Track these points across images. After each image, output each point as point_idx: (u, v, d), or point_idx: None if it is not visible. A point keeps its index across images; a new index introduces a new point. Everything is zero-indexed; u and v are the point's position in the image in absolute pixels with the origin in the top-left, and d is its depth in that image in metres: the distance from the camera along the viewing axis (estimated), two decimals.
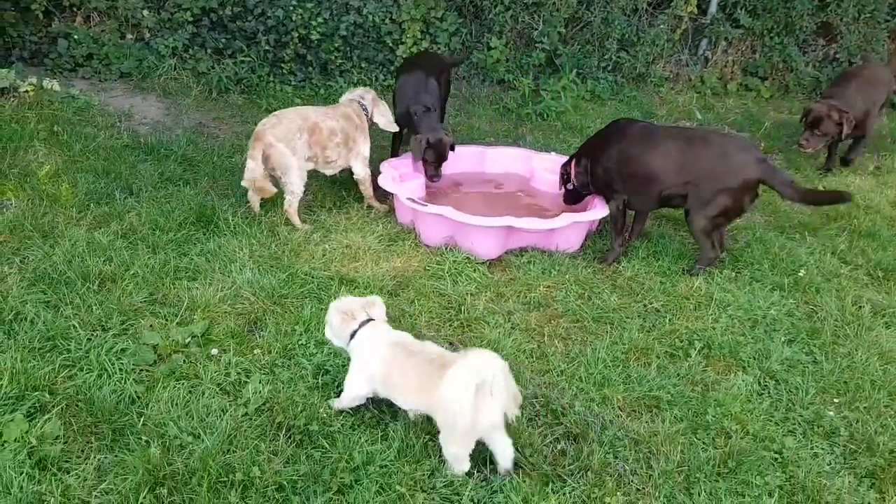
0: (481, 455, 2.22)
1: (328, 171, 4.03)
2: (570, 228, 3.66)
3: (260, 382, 2.46)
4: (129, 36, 6.37)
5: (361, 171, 4.04)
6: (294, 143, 3.67)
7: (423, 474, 2.16)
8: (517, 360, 2.80)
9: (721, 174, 3.44)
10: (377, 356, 2.25)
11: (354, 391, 2.31)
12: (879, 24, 7.62)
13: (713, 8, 7.51)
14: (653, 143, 3.58)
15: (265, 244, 3.50)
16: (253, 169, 3.54)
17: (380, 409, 2.42)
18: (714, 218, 3.52)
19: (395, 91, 4.71)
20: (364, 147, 4.07)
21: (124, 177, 4.02)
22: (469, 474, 2.18)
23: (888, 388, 2.81)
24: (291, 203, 3.73)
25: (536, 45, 6.98)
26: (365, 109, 4.15)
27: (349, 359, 2.38)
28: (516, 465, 2.24)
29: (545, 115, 6.20)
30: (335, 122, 3.89)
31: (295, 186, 3.72)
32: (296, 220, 3.75)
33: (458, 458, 2.14)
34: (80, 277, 2.92)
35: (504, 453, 2.20)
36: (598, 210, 3.79)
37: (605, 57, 7.15)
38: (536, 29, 6.99)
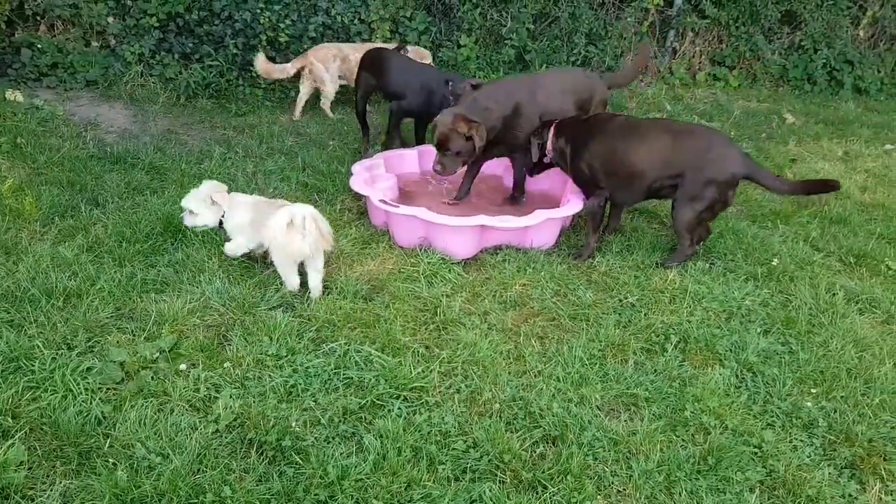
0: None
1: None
2: (544, 225, 3.64)
3: (230, 397, 2.40)
4: (94, 43, 6.24)
5: None
6: (329, 64, 5.81)
7: (400, 487, 2.13)
8: (494, 362, 2.77)
9: (708, 166, 3.44)
10: (245, 212, 3.20)
11: (238, 242, 3.21)
12: (842, 10, 7.73)
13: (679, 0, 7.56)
14: (638, 136, 3.57)
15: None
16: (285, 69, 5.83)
17: (353, 422, 2.39)
18: (701, 212, 3.52)
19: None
20: None
21: (90, 188, 3.92)
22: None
23: (864, 375, 2.83)
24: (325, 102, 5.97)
25: (506, 41, 6.98)
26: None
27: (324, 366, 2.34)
28: None
29: None
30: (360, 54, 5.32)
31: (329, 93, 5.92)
32: (328, 113, 5.94)
33: (285, 277, 3.10)
34: (45, 294, 2.83)
35: (313, 283, 3.11)
36: (571, 206, 3.77)
37: (574, 52, 7.18)
38: (505, 26, 6.99)
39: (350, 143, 5.31)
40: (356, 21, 6.83)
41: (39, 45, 5.92)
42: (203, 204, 3.23)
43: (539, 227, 3.62)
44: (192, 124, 5.43)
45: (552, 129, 3.76)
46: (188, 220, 3.29)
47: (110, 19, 6.26)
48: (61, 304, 2.82)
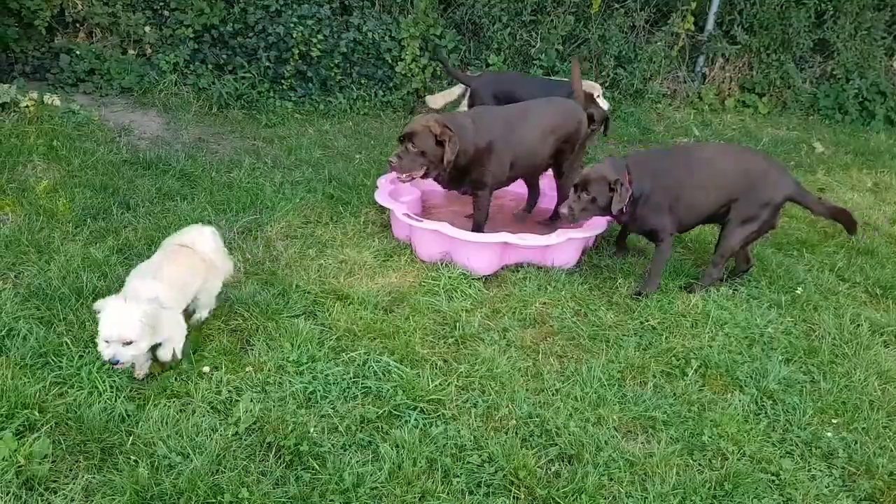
0: None
1: None
2: (566, 244, 3.65)
3: (251, 401, 2.44)
4: (130, 51, 6.42)
5: None
6: None
7: (414, 497, 2.14)
8: (512, 378, 2.78)
9: (765, 188, 3.46)
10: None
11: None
12: (876, 41, 7.68)
13: (710, 25, 7.57)
14: (696, 165, 3.53)
15: (260, 260, 3.49)
16: None
17: (370, 431, 2.41)
18: (750, 234, 3.53)
19: None
20: None
21: (122, 192, 4.02)
22: None
23: (887, 408, 2.79)
24: None
25: (534, 61, 7.03)
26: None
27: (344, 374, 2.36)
28: None
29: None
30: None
31: None
32: None
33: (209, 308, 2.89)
34: (74, 293, 2.91)
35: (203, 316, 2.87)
36: (594, 227, 3.78)
37: (603, 73, 7.20)
38: (534, 46, 7.05)
39: (375, 156, 5.38)
40: (387, 38, 6.95)
41: (78, 52, 6.11)
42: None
43: (561, 246, 3.63)
44: (222, 133, 5.55)
45: (625, 171, 3.47)
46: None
47: (147, 28, 6.45)
48: (90, 303, 2.87)
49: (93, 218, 3.65)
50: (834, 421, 2.71)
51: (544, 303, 3.37)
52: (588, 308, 3.36)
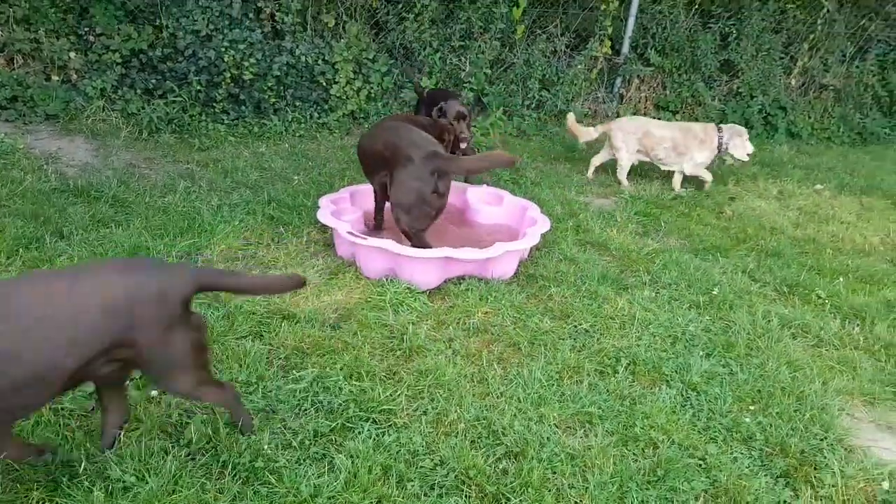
0: None
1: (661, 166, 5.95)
2: (504, 257, 3.83)
3: (202, 422, 2.46)
4: (54, 78, 6.26)
5: (689, 171, 5.83)
6: (628, 136, 5.81)
7: (372, 502, 2.22)
8: (459, 385, 2.90)
9: None
10: None
11: None
12: (775, 61, 8.38)
13: (626, 48, 8.08)
14: None
15: None
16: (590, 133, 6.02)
17: (324, 444, 2.48)
18: None
19: None
20: (698, 155, 5.76)
21: (54, 220, 3.93)
22: None
23: (797, 393, 3.06)
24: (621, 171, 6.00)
25: (465, 84, 7.30)
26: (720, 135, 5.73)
27: (294, 391, 2.42)
28: None
29: (476, 150, 6.44)
30: (669, 132, 5.78)
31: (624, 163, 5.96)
32: (624, 182, 5.98)
33: None
34: None
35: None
36: (529, 238, 3.98)
37: (529, 96, 7.55)
38: (464, 70, 7.32)
39: (315, 177, 5.44)
40: (320, 61, 7.05)
41: None
42: None
43: (500, 258, 3.81)
44: (154, 158, 5.47)
45: None
46: None
47: (72, 54, 6.31)
48: None
49: (25, 248, 3.55)
50: (751, 408, 2.94)
51: (486, 312, 3.52)
52: (526, 315, 3.53)
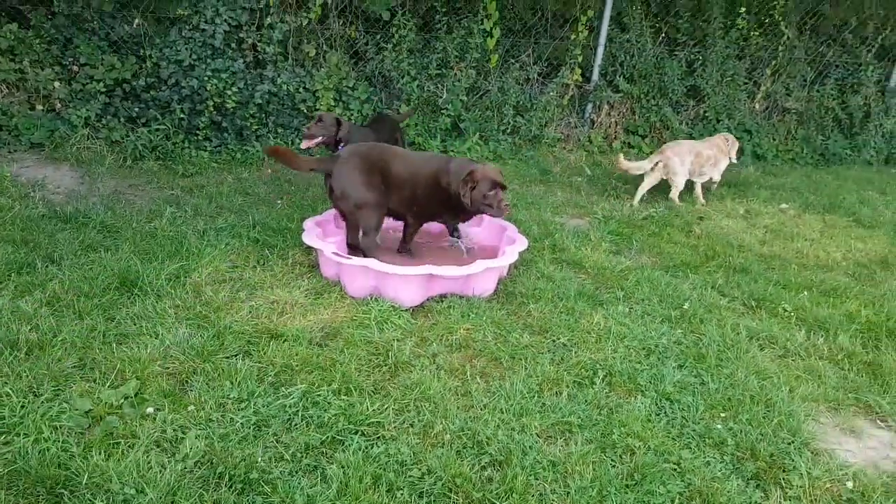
0: None
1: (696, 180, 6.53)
2: (485, 274, 3.98)
3: (196, 437, 2.54)
4: (39, 107, 6.32)
5: (717, 178, 6.67)
6: (684, 158, 6.24)
7: None
8: (444, 398, 3.01)
9: None
10: None
11: None
12: (739, 86, 8.74)
13: (595, 76, 8.39)
14: None
15: (190, 305, 3.58)
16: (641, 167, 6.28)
17: (316, 456, 2.57)
18: None
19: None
20: (723, 164, 6.66)
21: (44, 246, 4.00)
22: None
23: (764, 401, 3.20)
24: (675, 192, 6.36)
25: (442, 111, 7.51)
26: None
27: (285, 406, 2.51)
28: None
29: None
30: (711, 150, 6.47)
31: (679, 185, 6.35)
32: (677, 202, 6.34)
33: None
34: (8, 346, 2.90)
35: None
36: (509, 256, 4.14)
37: (504, 121, 7.78)
38: (441, 97, 7.54)
39: (297, 201, 5.56)
40: (301, 90, 7.22)
41: None
42: None
43: (480, 275, 3.95)
44: (139, 185, 5.55)
45: None
46: None
47: (57, 84, 6.39)
48: (24, 355, 2.90)
49: (17, 273, 3.61)
50: (722, 415, 3.08)
51: (468, 329, 3.65)
52: (506, 331, 3.66)
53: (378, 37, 7.66)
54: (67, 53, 6.49)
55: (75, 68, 6.50)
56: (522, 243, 4.39)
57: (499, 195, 4.08)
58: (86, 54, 6.48)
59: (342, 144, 4.99)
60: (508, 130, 7.80)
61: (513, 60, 8.11)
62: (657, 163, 6.24)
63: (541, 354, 3.46)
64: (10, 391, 2.62)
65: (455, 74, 7.60)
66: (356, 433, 2.72)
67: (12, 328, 3.04)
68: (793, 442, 2.93)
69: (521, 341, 3.56)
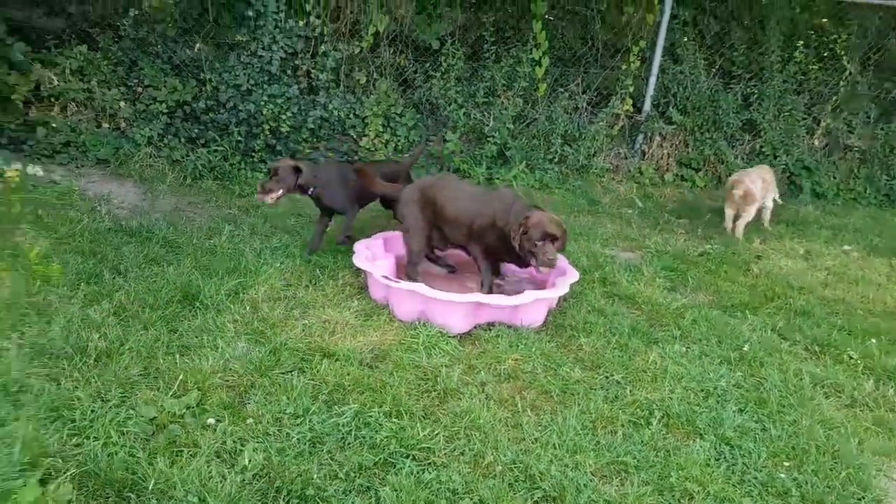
0: None
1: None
2: (534, 305, 3.94)
3: (254, 450, 2.57)
4: (105, 125, 6.62)
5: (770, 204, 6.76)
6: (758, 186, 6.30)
7: None
8: (494, 428, 2.98)
9: None
10: None
11: None
12: (797, 121, 8.54)
13: (647, 106, 8.31)
14: None
15: (248, 321, 3.65)
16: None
17: (369, 477, 2.56)
18: None
19: None
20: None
21: (110, 258, 4.16)
22: None
23: (832, 452, 3.06)
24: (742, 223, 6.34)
25: (488, 139, 7.57)
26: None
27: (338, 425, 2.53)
28: None
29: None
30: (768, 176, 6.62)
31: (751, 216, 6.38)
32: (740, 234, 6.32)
33: None
34: (78, 352, 3.01)
35: None
36: (560, 288, 4.10)
37: (551, 150, 7.78)
38: (487, 125, 7.61)
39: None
40: (351, 115, 7.40)
41: (53, 125, 6.27)
42: None
43: (529, 306, 3.92)
44: (198, 203, 5.73)
45: None
46: None
47: (122, 104, 6.69)
48: (93, 361, 3.00)
49: (86, 282, 3.76)
50: (786, 464, 2.95)
51: (516, 359, 3.60)
52: (556, 364, 3.59)
53: (427, 65, 7.81)
54: (132, 75, 6.82)
55: (139, 89, 6.83)
56: (573, 275, 4.34)
57: (546, 247, 3.91)
58: (149, 76, 6.80)
59: (311, 189, 4.67)
60: (556, 159, 7.79)
61: (561, 89, 8.13)
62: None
63: (593, 391, 3.39)
64: (80, 395, 2.72)
65: (502, 102, 7.67)
66: (407, 457, 2.70)
67: (82, 335, 3.15)
68: (863, 498, 2.80)
69: (573, 375, 3.50)
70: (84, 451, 2.41)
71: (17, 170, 4.91)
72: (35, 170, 5.19)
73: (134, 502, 2.26)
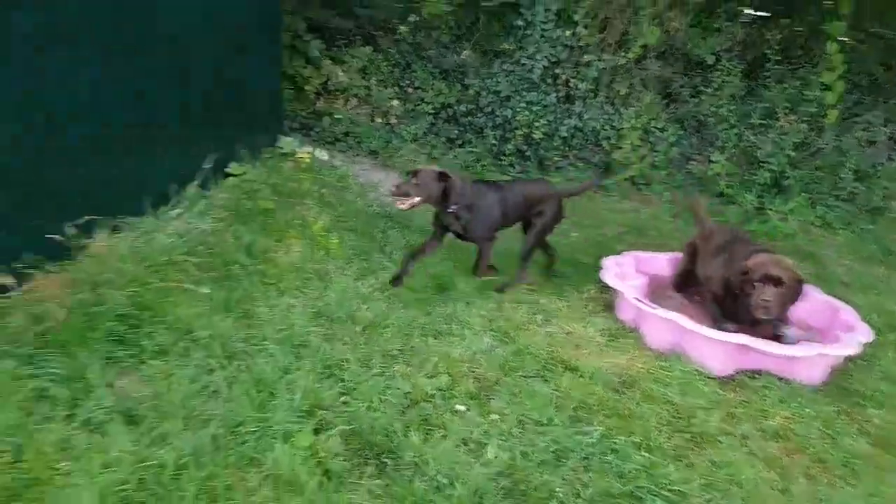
0: None
1: None
2: (815, 359, 3.39)
3: (499, 447, 2.54)
4: (378, 120, 7.31)
5: None
6: None
7: None
8: (758, 488, 2.59)
9: None
10: None
11: None
12: None
13: None
14: None
15: (493, 318, 3.67)
16: None
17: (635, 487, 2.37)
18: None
19: None
20: None
21: (378, 239, 4.56)
22: None
23: None
24: None
25: (762, 164, 6.81)
26: None
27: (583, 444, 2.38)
28: None
29: (772, 236, 5.94)
30: None
31: None
32: None
33: None
34: (349, 318, 3.30)
35: None
36: (850, 345, 3.48)
37: (839, 186, 6.75)
38: (761, 149, 6.85)
39: (592, 236, 5.50)
40: (607, 127, 7.21)
41: (337, 116, 7.08)
42: None
43: (809, 360, 3.38)
44: None
45: None
46: None
47: (395, 102, 7.34)
48: (361, 329, 3.26)
49: (358, 258, 4.15)
50: None
51: (787, 417, 3.11)
52: (836, 432, 3.05)
53: (697, 80, 7.31)
54: (405, 76, 7.43)
55: (410, 90, 7.42)
56: (865, 333, 3.66)
57: (762, 290, 3.45)
58: (420, 79, 7.36)
59: (454, 206, 4.00)
60: (844, 196, 6.75)
61: (856, 118, 7.05)
62: None
63: (885, 472, 2.80)
64: (349, 358, 2.96)
65: (782, 126, 6.86)
66: (657, 496, 2.45)
67: (353, 304, 3.45)
68: None
69: (858, 450, 2.93)
70: (350, 410, 2.59)
71: (308, 152, 5.63)
72: (321, 153, 5.88)
73: (391, 468, 2.36)
